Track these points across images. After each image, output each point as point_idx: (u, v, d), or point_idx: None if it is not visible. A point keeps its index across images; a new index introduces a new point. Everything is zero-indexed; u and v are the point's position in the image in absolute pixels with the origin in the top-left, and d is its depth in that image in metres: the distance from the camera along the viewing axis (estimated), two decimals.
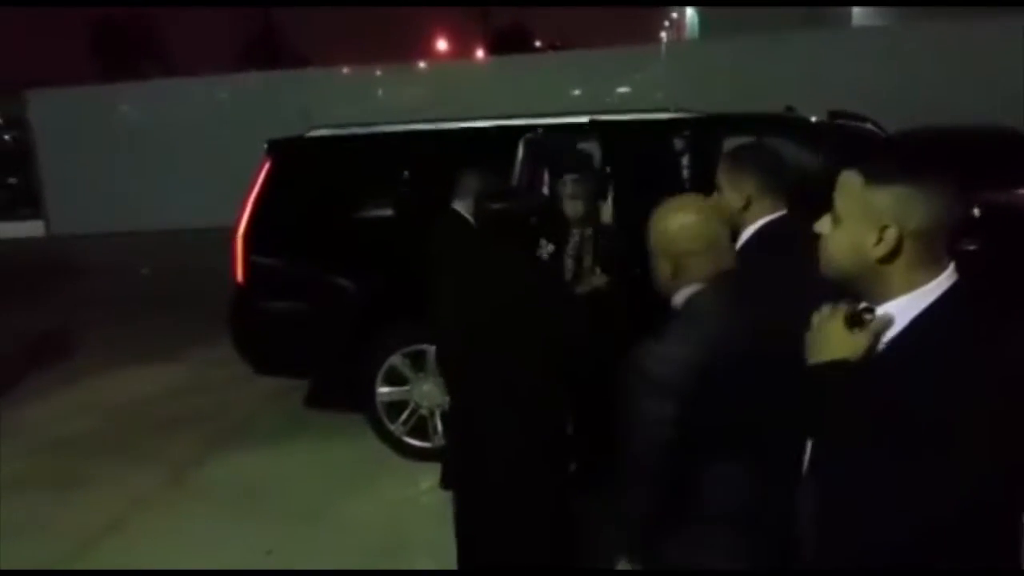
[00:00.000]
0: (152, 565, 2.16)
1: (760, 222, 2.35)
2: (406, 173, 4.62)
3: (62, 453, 4.94)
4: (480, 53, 30.50)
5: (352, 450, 4.53)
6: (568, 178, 3.82)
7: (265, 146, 4.64)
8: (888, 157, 1.40)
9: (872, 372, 1.33)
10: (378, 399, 4.40)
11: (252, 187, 4.52)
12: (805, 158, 3.96)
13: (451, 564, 2.90)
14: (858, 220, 1.34)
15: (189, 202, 12.47)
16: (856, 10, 20.68)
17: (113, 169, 13.87)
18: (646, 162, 4.14)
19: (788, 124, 4.64)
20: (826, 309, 1.45)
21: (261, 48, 38.48)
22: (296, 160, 4.65)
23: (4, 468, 4.75)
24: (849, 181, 1.36)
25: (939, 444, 1.19)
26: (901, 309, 1.33)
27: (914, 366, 1.27)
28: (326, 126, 4.78)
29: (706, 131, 4.19)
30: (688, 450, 1.68)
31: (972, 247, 3.84)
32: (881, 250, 1.31)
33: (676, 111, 4.57)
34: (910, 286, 1.33)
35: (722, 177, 2.41)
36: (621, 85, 13.68)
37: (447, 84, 14.04)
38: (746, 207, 2.35)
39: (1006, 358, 1.26)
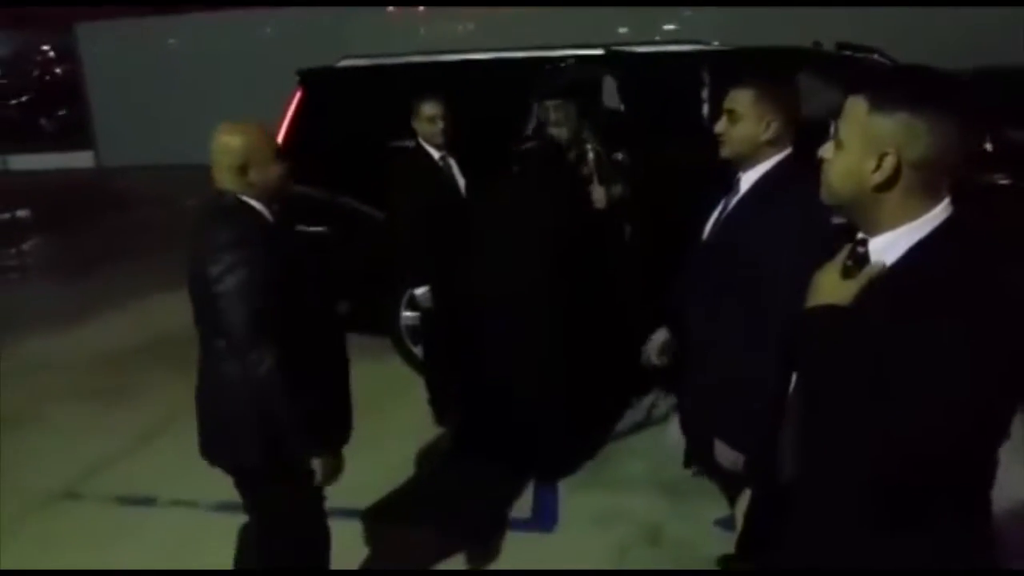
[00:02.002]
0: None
1: (769, 162, 2.27)
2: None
3: (115, 366, 5.27)
4: None
5: (377, 370, 4.73)
6: (550, 104, 3.79)
7: (297, 76, 4.73)
8: (896, 84, 1.34)
9: (863, 307, 1.33)
10: (402, 323, 4.56)
11: (284, 116, 4.63)
12: (828, 94, 3.93)
13: (461, 478, 3.05)
14: (859, 146, 1.32)
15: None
16: None
17: (160, 102, 14.10)
18: (662, 95, 4.13)
19: (813, 58, 4.58)
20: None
21: None
22: (327, 89, 4.74)
23: (63, 378, 5.09)
24: (854, 107, 1.34)
25: (921, 374, 1.20)
26: (894, 240, 1.33)
27: (901, 299, 1.27)
28: (356, 56, 4.85)
29: (726, 64, 4.16)
30: None
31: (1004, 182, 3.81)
32: (878, 177, 1.30)
33: (697, 44, 4.53)
34: (904, 217, 1.32)
35: (746, 107, 2.25)
36: (669, 22, 13.36)
37: (491, 23, 13.89)
38: (770, 140, 2.24)
39: (994, 294, 1.25)
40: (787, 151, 2.31)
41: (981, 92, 3.75)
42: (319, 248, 4.69)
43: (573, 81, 4.02)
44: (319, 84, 4.72)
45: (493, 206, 3.64)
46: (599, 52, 4.33)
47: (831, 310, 1.36)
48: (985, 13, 10.53)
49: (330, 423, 2.42)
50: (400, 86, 4.70)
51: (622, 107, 4.14)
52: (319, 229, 4.65)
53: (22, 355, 5.63)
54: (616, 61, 4.21)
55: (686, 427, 2.55)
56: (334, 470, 2.36)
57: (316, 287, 2.47)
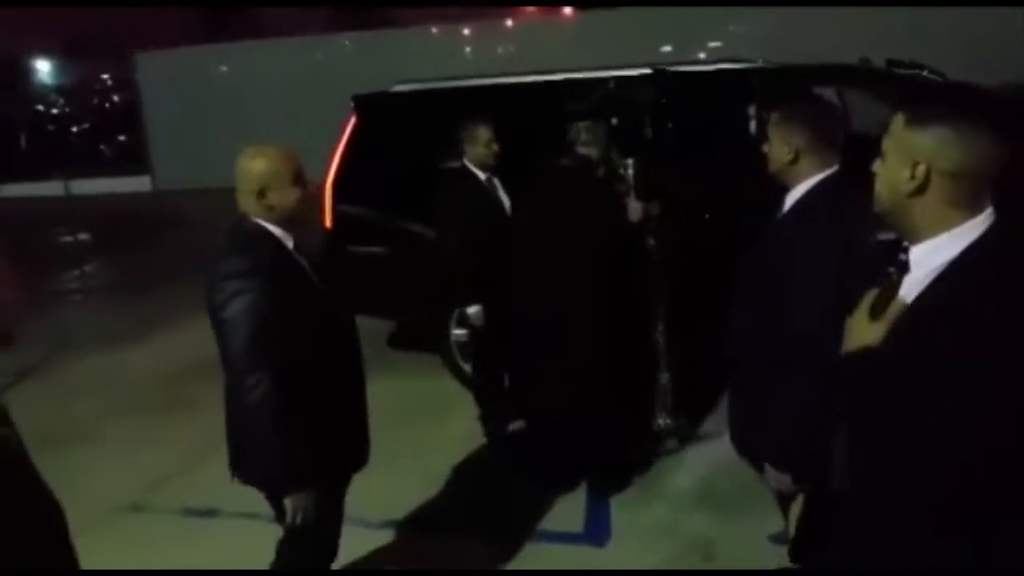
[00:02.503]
0: None
1: (812, 180, 2.30)
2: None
3: (172, 383, 5.43)
4: (568, 9, 30.01)
5: (428, 384, 4.81)
6: (581, 125, 3.82)
7: (352, 102, 4.88)
8: (932, 100, 1.41)
9: (895, 344, 1.38)
10: (452, 339, 4.65)
11: (339, 139, 4.78)
12: (876, 109, 3.92)
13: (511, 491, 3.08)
14: (896, 157, 1.41)
15: None
16: None
17: (214, 127, 14.54)
18: (707, 113, 4.17)
19: (862, 75, 4.57)
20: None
21: (354, 11, 38.94)
22: (381, 114, 4.89)
23: (122, 395, 5.29)
24: (894, 122, 1.43)
25: (957, 392, 1.23)
26: (935, 248, 1.38)
27: (939, 312, 1.32)
28: (409, 81, 4.99)
29: (775, 82, 4.18)
30: None
31: None
32: (911, 185, 1.37)
33: (746, 62, 4.56)
34: (941, 225, 1.37)
35: (771, 130, 2.37)
36: (713, 39, 13.37)
37: (535, 40, 14.07)
38: (794, 161, 2.31)
39: None
40: (831, 169, 2.33)
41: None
42: (368, 269, 4.84)
43: (603, 101, 4.08)
44: (373, 108, 4.87)
45: (533, 223, 3.71)
46: (646, 71, 4.39)
47: (864, 354, 1.43)
48: None
49: (333, 454, 2.46)
50: (452, 109, 4.83)
51: (669, 125, 4.18)
52: (374, 249, 4.78)
53: (83, 373, 5.85)
54: (661, 80, 4.26)
55: (737, 445, 2.58)
56: (303, 510, 2.35)
57: (337, 315, 2.51)
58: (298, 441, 2.27)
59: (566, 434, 3.70)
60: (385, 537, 3.48)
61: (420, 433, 4.36)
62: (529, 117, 4.32)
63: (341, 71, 13.73)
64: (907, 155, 1.38)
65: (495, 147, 4.02)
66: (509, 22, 16.30)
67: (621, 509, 3.56)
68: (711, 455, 3.89)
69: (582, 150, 3.76)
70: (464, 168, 4.11)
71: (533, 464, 3.83)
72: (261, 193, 2.32)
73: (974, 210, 1.37)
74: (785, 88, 4.13)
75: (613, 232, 3.71)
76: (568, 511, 3.57)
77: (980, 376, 1.23)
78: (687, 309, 3.91)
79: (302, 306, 2.32)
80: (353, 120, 4.82)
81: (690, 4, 13.46)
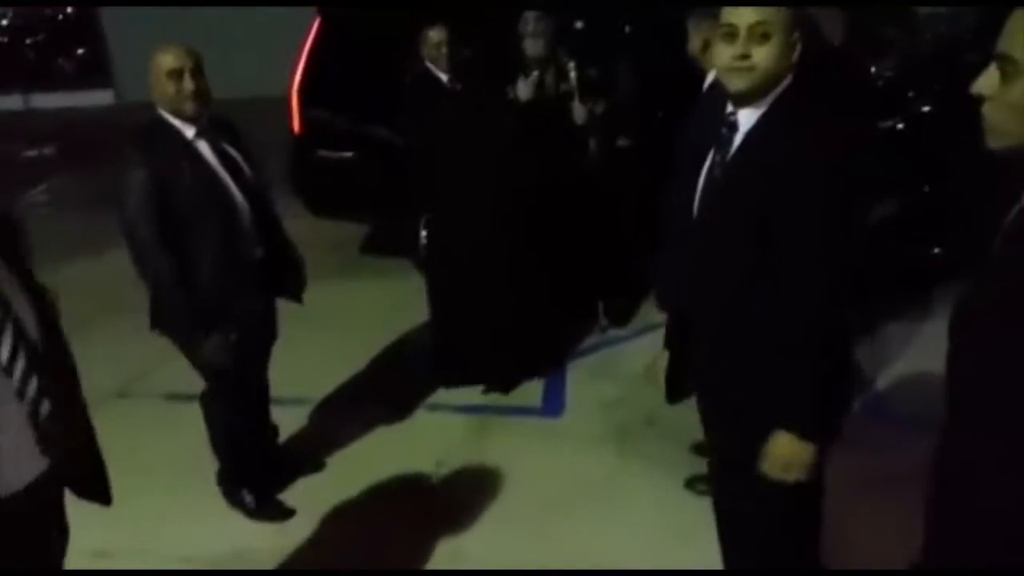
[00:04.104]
0: None
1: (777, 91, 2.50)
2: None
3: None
4: None
5: (401, 286, 5.03)
6: (530, 15, 3.93)
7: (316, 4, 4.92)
8: None
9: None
10: (421, 242, 4.82)
11: (305, 42, 4.83)
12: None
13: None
14: None
15: (248, 69, 12.84)
16: None
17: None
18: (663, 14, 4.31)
19: None
20: None
21: None
22: (346, 15, 4.93)
23: (102, 296, 5.44)
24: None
25: None
26: None
27: None
28: None
29: None
30: None
31: None
32: None
33: None
34: None
35: (687, 22, 2.68)
36: None
37: None
38: (704, 49, 2.62)
39: None
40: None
41: None
42: (338, 174, 4.97)
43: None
44: (338, 9, 4.91)
45: (481, 127, 3.83)
46: None
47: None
48: None
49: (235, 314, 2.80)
50: (415, 12, 4.89)
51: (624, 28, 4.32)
52: (343, 154, 4.92)
53: (59, 280, 5.93)
54: None
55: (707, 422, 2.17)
56: (209, 357, 2.77)
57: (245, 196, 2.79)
58: (194, 301, 2.67)
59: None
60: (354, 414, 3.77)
61: (386, 324, 4.59)
62: (491, 21, 4.40)
63: None
64: None
65: (445, 49, 4.10)
66: None
67: (575, 387, 3.90)
68: (658, 342, 4.19)
69: (528, 42, 3.88)
70: (426, 71, 4.22)
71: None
72: (155, 85, 2.68)
73: None
74: None
75: (552, 133, 3.90)
76: (527, 389, 3.91)
77: None
78: (635, 205, 4.15)
79: (193, 188, 2.65)
80: (317, 22, 4.86)
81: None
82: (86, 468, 1.91)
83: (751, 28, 1.68)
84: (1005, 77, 1.14)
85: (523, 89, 3.98)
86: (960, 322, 1.29)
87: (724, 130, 1.81)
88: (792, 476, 1.80)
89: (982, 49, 1.32)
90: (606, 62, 4.25)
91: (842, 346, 1.83)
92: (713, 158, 1.85)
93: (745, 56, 1.69)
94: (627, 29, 4.43)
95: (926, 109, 4.43)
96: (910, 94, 4.52)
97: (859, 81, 3.71)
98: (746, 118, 1.78)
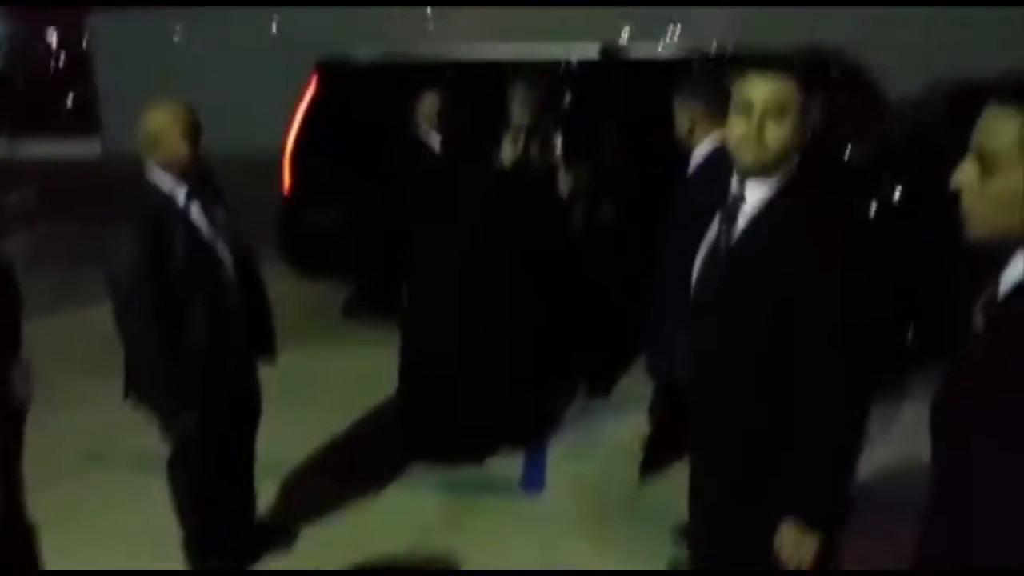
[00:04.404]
0: None
1: (708, 146, 2.70)
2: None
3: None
4: None
5: (382, 353, 4.99)
6: (519, 85, 4.04)
7: (313, 66, 5.01)
8: None
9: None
10: (404, 305, 4.82)
11: (299, 105, 4.91)
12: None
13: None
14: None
15: (237, 127, 12.97)
16: None
17: (167, 90, 14.32)
18: (653, 94, 4.44)
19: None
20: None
21: None
22: (342, 79, 5.02)
23: (75, 356, 5.43)
24: (1005, 120, 1.16)
25: None
26: None
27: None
28: (371, 49, 5.14)
29: (714, 67, 4.45)
30: None
31: None
32: None
33: (693, 50, 4.84)
34: None
35: (674, 104, 2.77)
36: (674, 20, 13.57)
37: (497, 21, 14.13)
38: (691, 131, 2.73)
39: None
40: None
41: None
42: (325, 234, 4.99)
43: (549, 71, 4.27)
44: (334, 74, 5.00)
45: (465, 192, 3.86)
46: (594, 57, 4.64)
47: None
48: None
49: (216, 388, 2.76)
50: (410, 79, 5.00)
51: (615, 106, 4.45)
52: (332, 215, 4.95)
53: (37, 333, 5.81)
54: (608, 62, 4.51)
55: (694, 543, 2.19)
56: (180, 434, 2.72)
57: (231, 261, 2.76)
58: (176, 371, 2.59)
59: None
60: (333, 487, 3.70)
61: (365, 393, 4.55)
62: (482, 91, 4.51)
63: (299, 40, 13.68)
64: None
65: (436, 116, 4.16)
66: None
67: (555, 463, 3.86)
68: (640, 418, 4.19)
69: (515, 109, 3.96)
70: (419, 136, 4.30)
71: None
72: (152, 144, 2.58)
73: None
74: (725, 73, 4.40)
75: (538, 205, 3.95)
76: (505, 464, 3.85)
77: None
78: (617, 276, 4.20)
79: (185, 253, 2.59)
80: (313, 85, 4.95)
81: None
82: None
83: (767, 104, 1.68)
84: (985, 170, 1.18)
85: (507, 154, 4.06)
86: (944, 408, 1.30)
87: (730, 203, 1.80)
88: (796, 564, 1.77)
89: (953, 134, 1.39)
90: (592, 133, 4.33)
91: (861, 433, 1.77)
92: (718, 231, 1.83)
93: (760, 131, 1.69)
94: (614, 107, 4.54)
95: (898, 194, 4.55)
96: (883, 179, 4.64)
97: (839, 166, 3.83)
98: (754, 192, 1.77)
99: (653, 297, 2.81)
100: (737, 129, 1.72)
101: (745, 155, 1.73)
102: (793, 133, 1.70)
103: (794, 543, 1.76)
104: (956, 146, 1.27)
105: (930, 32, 11.10)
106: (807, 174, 1.76)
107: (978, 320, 1.26)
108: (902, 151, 5.04)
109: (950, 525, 1.28)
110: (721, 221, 1.83)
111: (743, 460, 1.83)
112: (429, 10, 15.38)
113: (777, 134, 1.69)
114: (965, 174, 1.21)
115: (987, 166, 1.18)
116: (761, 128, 1.68)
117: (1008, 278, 1.21)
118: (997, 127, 1.17)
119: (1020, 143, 1.14)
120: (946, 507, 1.29)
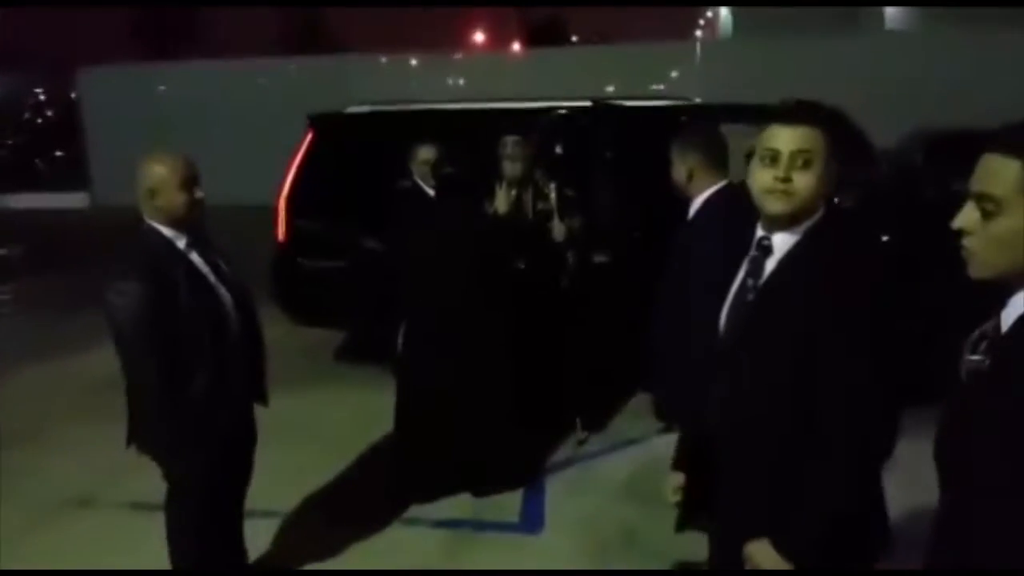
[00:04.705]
0: None
1: (707, 192, 2.89)
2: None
3: (117, 388, 5.43)
4: (517, 46, 30.78)
5: (375, 396, 5.00)
6: (509, 139, 4.12)
7: (307, 120, 5.13)
8: None
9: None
10: (399, 350, 4.85)
11: (294, 156, 5.01)
12: None
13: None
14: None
15: (225, 180, 13.09)
16: (888, 13, 20.88)
17: (155, 144, 14.47)
18: (643, 142, 4.58)
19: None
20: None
21: (301, 34, 39.12)
22: (336, 133, 5.14)
23: (67, 400, 5.40)
24: (1004, 166, 1.23)
25: None
26: None
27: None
28: (363, 103, 5.27)
29: (704, 118, 4.60)
30: None
31: None
32: None
33: (678, 100, 5.01)
34: None
35: (672, 153, 2.95)
36: (655, 81, 13.95)
37: (483, 75, 14.47)
38: (690, 178, 2.89)
39: None
40: (721, 183, 2.90)
41: None
42: (319, 282, 5.04)
43: (537, 123, 4.37)
44: (328, 127, 5.12)
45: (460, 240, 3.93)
46: (586, 104, 4.77)
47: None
48: None
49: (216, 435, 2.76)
50: (402, 131, 5.13)
51: (605, 154, 4.57)
52: (325, 262, 5.01)
53: (25, 381, 5.86)
54: (599, 112, 4.66)
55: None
56: (181, 479, 2.76)
57: (234, 309, 2.79)
58: (181, 416, 2.61)
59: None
60: (334, 530, 3.68)
61: (360, 434, 4.54)
62: (474, 141, 4.63)
63: (285, 94, 13.93)
64: None
65: (429, 167, 4.22)
66: (459, 55, 16.74)
67: (554, 501, 3.86)
68: (637, 456, 4.26)
69: (507, 164, 4.06)
70: (414, 185, 4.39)
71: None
72: (151, 195, 2.62)
73: None
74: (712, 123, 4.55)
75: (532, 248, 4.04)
76: (505, 503, 3.85)
77: None
78: (611, 319, 4.26)
79: (190, 299, 2.62)
80: (309, 137, 5.06)
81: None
82: None
83: (793, 154, 1.69)
84: (986, 214, 1.25)
85: (501, 202, 4.14)
86: (947, 443, 1.34)
87: (756, 253, 1.81)
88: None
89: (936, 181, 1.45)
90: (584, 180, 4.44)
91: (873, 481, 1.77)
92: (743, 281, 1.83)
93: (787, 180, 1.69)
94: (607, 155, 4.66)
95: (885, 239, 4.66)
96: (870, 225, 4.76)
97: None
98: (781, 242, 1.77)
99: (658, 342, 2.90)
100: (764, 179, 1.72)
101: (774, 205, 1.72)
102: (819, 182, 1.71)
103: (758, 557, 1.75)
104: (937, 191, 1.35)
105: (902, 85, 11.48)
106: (831, 223, 1.77)
107: (972, 358, 1.31)
108: (886, 197, 5.19)
109: (954, 552, 1.32)
110: (747, 272, 1.83)
111: (769, 499, 1.80)
112: (414, 61, 15.73)
113: (805, 183, 1.70)
114: (968, 217, 1.27)
115: (987, 210, 1.24)
116: (788, 177, 1.70)
117: (1010, 314, 1.27)
118: (996, 173, 1.23)
119: (1018, 187, 1.21)
120: (948, 538, 1.33)
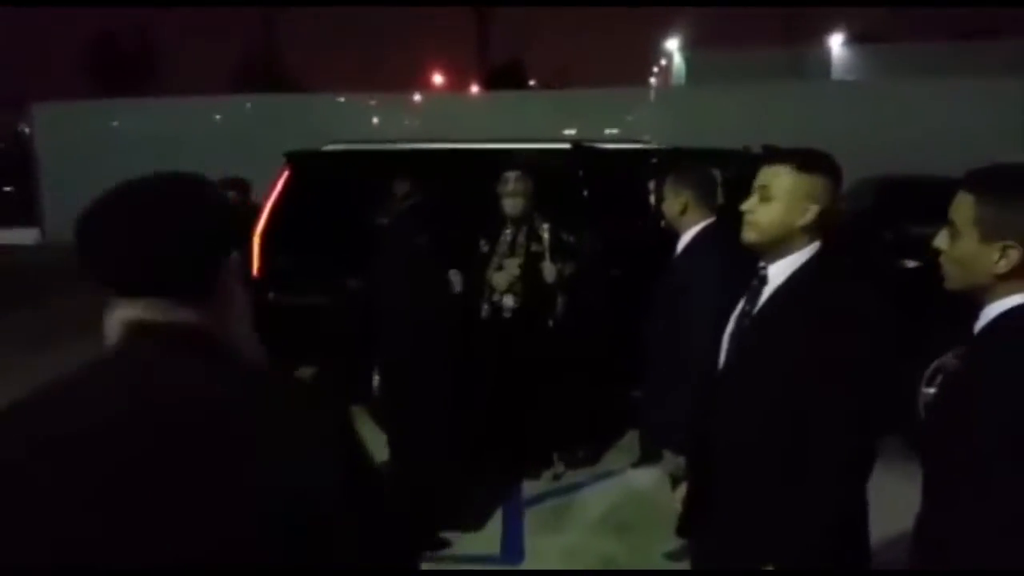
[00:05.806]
0: None
1: (697, 227, 3.09)
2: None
3: None
4: (475, 88, 31.24)
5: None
6: (510, 175, 4.15)
7: (285, 157, 5.17)
8: (999, 176, 1.51)
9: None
10: (376, 391, 4.87)
11: (270, 192, 5.04)
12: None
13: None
14: (977, 238, 1.47)
15: None
16: (835, 65, 21.84)
17: (109, 181, 14.26)
18: (618, 183, 4.76)
19: (736, 158, 5.21)
20: None
21: (258, 72, 39.08)
22: (313, 170, 5.19)
23: None
24: (963, 199, 1.50)
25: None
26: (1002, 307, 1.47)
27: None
28: (341, 142, 5.35)
29: (670, 160, 4.79)
30: None
31: None
32: (1001, 267, 1.45)
33: (645, 144, 5.22)
34: (1016, 289, 1.47)
35: (666, 188, 3.18)
36: (610, 126, 14.27)
37: (441, 115, 14.63)
38: (683, 212, 3.11)
39: None
40: (711, 219, 3.10)
41: None
42: (293, 319, 5.04)
43: (535, 162, 4.47)
44: (304, 165, 5.17)
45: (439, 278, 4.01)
46: (566, 146, 4.94)
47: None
48: None
49: None
50: (377, 169, 5.19)
51: (584, 192, 4.72)
52: (299, 299, 5.02)
53: None
54: (579, 153, 4.82)
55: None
56: None
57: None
58: None
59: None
60: None
61: None
62: (452, 180, 4.73)
63: (240, 131, 13.93)
64: (996, 236, 1.45)
65: (405, 205, 4.23)
66: (417, 96, 16.90)
67: (534, 533, 3.90)
68: (614, 488, 4.36)
69: (506, 201, 4.13)
70: (394, 223, 4.43)
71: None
72: None
73: None
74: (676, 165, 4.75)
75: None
76: (485, 535, 3.88)
77: None
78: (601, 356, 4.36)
79: None
80: (285, 174, 5.09)
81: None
82: None
83: (760, 188, 1.89)
84: (952, 237, 1.52)
85: (484, 243, 4.22)
86: (930, 434, 1.58)
87: (755, 283, 1.94)
88: None
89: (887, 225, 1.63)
90: (571, 219, 4.54)
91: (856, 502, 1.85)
92: (742, 309, 1.96)
93: (751, 211, 1.89)
94: (585, 194, 4.80)
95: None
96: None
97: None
98: (775, 272, 1.90)
99: (652, 375, 3.01)
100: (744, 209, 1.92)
101: (743, 231, 1.92)
102: (778, 217, 1.84)
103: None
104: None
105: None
106: (828, 256, 1.88)
107: (928, 391, 1.56)
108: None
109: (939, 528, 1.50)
110: (746, 300, 1.95)
111: (763, 519, 1.86)
112: (372, 100, 15.84)
113: (763, 214, 1.86)
114: (940, 240, 1.55)
115: (952, 234, 1.52)
116: (752, 209, 1.89)
117: (979, 326, 1.51)
118: (958, 204, 1.52)
119: (971, 218, 1.48)
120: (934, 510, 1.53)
